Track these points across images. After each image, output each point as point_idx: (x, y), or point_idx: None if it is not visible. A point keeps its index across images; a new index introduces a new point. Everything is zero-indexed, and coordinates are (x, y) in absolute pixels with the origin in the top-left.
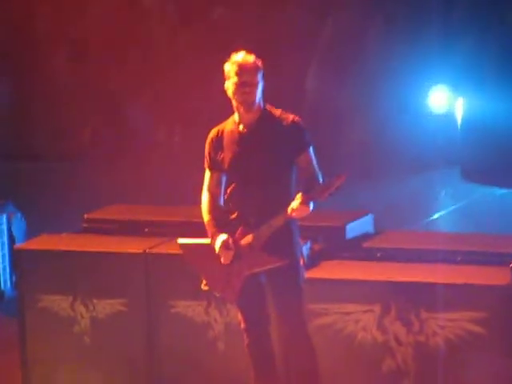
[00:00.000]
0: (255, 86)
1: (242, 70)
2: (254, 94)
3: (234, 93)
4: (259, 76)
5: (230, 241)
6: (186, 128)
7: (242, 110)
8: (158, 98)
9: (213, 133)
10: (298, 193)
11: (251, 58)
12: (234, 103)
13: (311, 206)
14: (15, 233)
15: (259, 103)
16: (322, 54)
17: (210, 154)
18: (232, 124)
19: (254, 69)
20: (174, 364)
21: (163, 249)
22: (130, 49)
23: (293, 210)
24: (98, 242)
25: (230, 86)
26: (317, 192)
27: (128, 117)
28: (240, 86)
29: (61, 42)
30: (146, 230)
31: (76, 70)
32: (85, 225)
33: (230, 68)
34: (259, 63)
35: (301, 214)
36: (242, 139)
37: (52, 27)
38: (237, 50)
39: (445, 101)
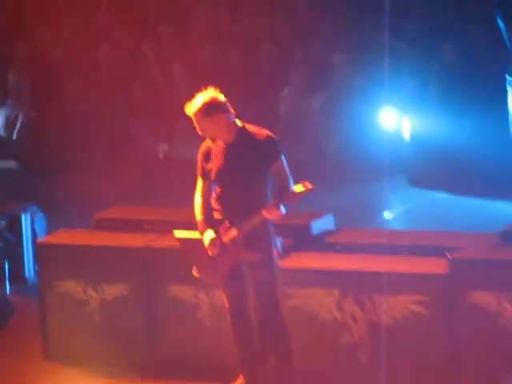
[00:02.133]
0: (208, 129)
1: (194, 120)
2: (210, 134)
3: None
4: (211, 116)
5: (217, 238)
6: (181, 142)
7: None
8: (157, 117)
9: (202, 147)
10: (273, 197)
11: (198, 104)
12: None
13: (283, 209)
14: (37, 229)
15: (232, 124)
16: (293, 81)
17: (201, 164)
18: (219, 141)
19: (201, 114)
20: (169, 338)
21: (160, 243)
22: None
23: (266, 212)
24: (106, 237)
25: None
26: (287, 198)
27: (132, 134)
28: (200, 133)
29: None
30: (146, 227)
31: (88, 95)
32: (95, 223)
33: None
34: (211, 103)
35: (274, 215)
36: (224, 153)
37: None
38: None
39: (393, 120)
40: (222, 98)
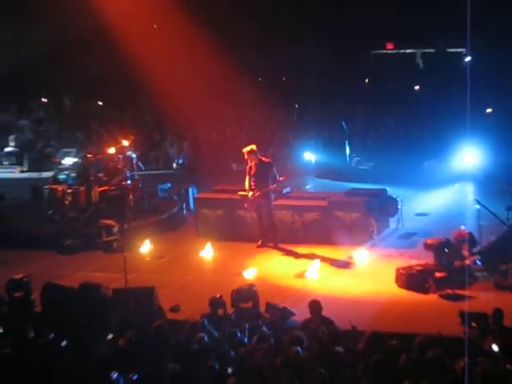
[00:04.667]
0: (251, 158)
1: (246, 154)
2: (251, 160)
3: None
4: (253, 155)
5: (253, 194)
6: (240, 162)
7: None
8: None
9: (248, 165)
10: (271, 181)
11: (249, 148)
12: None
13: (274, 185)
14: (194, 192)
15: (257, 158)
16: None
17: (248, 170)
18: (253, 162)
19: (249, 153)
20: (239, 226)
21: (235, 196)
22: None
23: (271, 186)
24: (216, 195)
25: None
26: (275, 182)
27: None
28: (247, 158)
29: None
30: (229, 191)
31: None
32: (212, 190)
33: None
34: (253, 149)
35: (273, 187)
36: (254, 167)
37: None
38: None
39: (309, 155)
40: (255, 148)
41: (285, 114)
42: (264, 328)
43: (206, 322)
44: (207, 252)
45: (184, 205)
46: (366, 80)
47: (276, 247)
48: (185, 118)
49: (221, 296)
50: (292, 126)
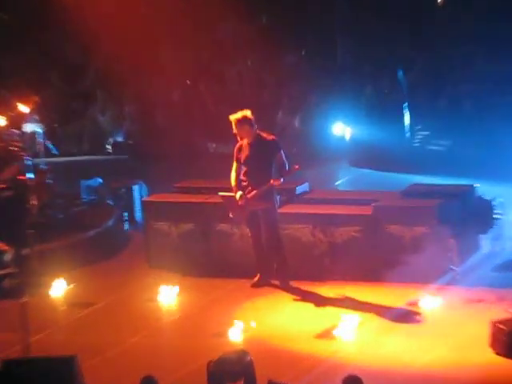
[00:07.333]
0: (243, 132)
1: (234, 124)
2: (242, 135)
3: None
4: (246, 125)
5: (244, 195)
6: (221, 142)
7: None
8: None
9: (237, 145)
10: (275, 173)
11: (240, 115)
12: None
13: (282, 180)
14: (142, 193)
15: (254, 132)
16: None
17: (236, 154)
18: (245, 141)
19: (240, 122)
20: (217, 252)
21: (211, 200)
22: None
23: (273, 181)
24: (181, 197)
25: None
26: (284, 174)
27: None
28: (236, 133)
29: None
30: (202, 191)
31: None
32: (174, 189)
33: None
34: (244, 117)
35: (277, 183)
36: (248, 149)
37: None
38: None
39: (341, 129)
40: (250, 116)
41: (298, 57)
42: None
43: None
44: (166, 296)
45: (126, 214)
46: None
47: (285, 287)
48: (128, 65)
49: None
50: (312, 77)
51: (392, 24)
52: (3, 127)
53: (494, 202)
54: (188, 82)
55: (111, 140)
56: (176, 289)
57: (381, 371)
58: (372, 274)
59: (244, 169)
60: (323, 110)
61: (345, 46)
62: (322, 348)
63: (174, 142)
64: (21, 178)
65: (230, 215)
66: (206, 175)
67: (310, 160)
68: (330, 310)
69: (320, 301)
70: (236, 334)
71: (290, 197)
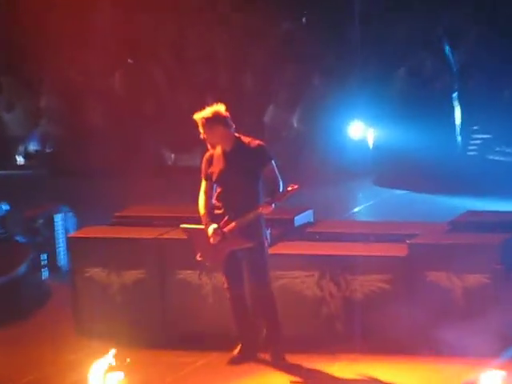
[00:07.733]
0: (214, 136)
1: (202, 125)
2: (214, 141)
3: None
4: (218, 125)
5: (218, 228)
6: (183, 152)
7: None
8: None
9: (206, 155)
10: (264, 196)
11: (209, 112)
12: None
13: (273, 206)
14: (68, 226)
15: (231, 136)
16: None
17: (204, 169)
18: (218, 149)
19: (205, 123)
20: (178, 313)
21: (169, 235)
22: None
23: (262, 208)
24: (124, 231)
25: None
26: (278, 198)
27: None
28: (204, 138)
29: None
30: (155, 222)
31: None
32: (114, 220)
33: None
34: (216, 114)
35: (267, 211)
36: (223, 159)
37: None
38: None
39: (360, 131)
40: (224, 112)
41: (296, 26)
42: None
43: None
44: (102, 377)
45: (45, 257)
46: None
47: (278, 363)
48: (47, 37)
49: None
50: (317, 55)
51: None
52: None
53: None
54: (130, 61)
55: (22, 148)
56: (116, 367)
57: None
58: (407, 346)
59: (218, 190)
60: (334, 104)
61: (364, 9)
62: None
63: (113, 151)
64: None
65: (198, 258)
66: (162, 199)
67: (315, 176)
68: None
69: None
70: None
71: (287, 231)
